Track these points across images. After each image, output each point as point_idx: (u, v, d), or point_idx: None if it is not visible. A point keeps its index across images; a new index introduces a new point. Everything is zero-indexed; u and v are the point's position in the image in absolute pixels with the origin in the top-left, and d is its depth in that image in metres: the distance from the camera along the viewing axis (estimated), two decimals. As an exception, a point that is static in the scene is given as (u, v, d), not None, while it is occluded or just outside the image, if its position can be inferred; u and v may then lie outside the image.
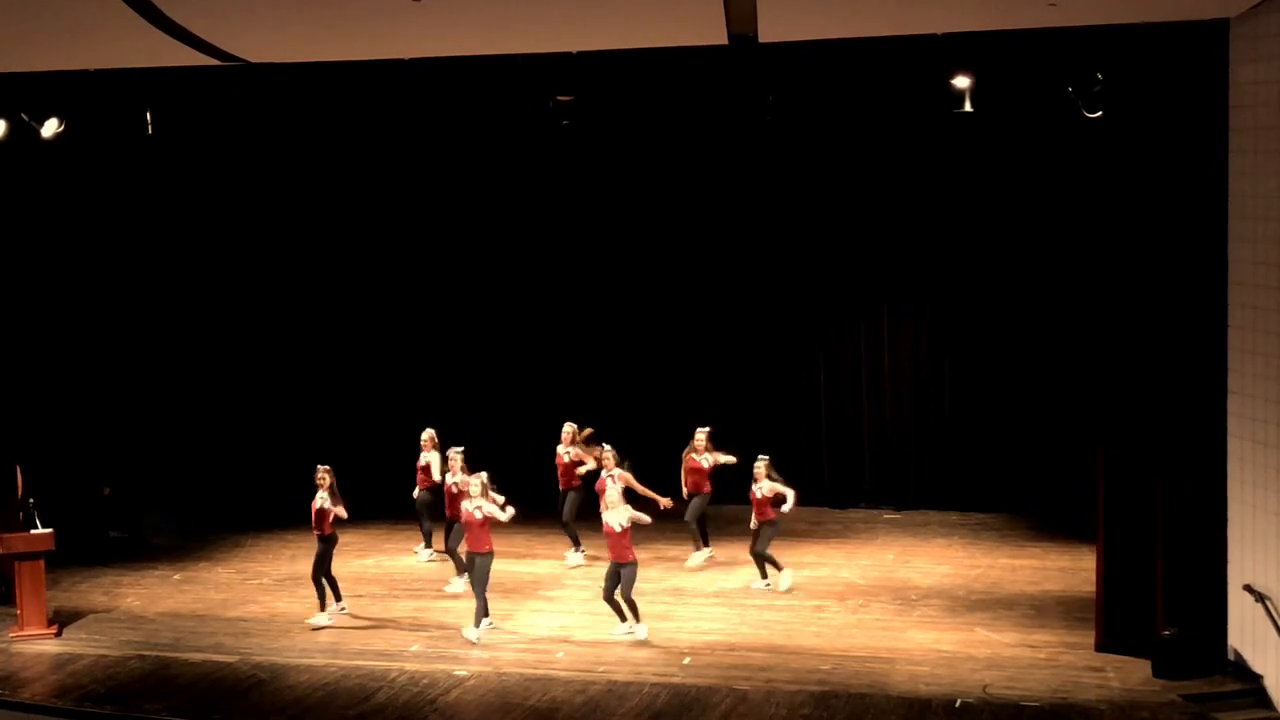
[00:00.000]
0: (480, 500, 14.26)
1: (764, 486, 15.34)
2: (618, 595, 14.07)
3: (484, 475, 14.52)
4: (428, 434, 16.95)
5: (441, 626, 14.57)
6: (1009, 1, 12.05)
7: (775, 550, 15.60)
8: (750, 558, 15.60)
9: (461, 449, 15.82)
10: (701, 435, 16.42)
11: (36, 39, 13.20)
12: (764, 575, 15.55)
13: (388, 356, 20.07)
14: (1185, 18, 12.19)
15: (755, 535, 15.46)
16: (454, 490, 15.50)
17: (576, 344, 19.63)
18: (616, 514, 14.03)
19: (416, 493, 17.02)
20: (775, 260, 18.95)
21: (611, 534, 14.00)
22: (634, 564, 14.06)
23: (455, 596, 15.52)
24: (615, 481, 14.97)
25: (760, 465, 15.43)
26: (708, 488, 16.45)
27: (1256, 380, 12.16)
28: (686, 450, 16.47)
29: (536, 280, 19.67)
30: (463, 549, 15.01)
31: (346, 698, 12.83)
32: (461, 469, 15.57)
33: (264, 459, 19.48)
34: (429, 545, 17.21)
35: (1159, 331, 12.90)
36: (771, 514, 15.40)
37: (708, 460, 16.35)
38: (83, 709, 12.79)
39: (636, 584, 14.13)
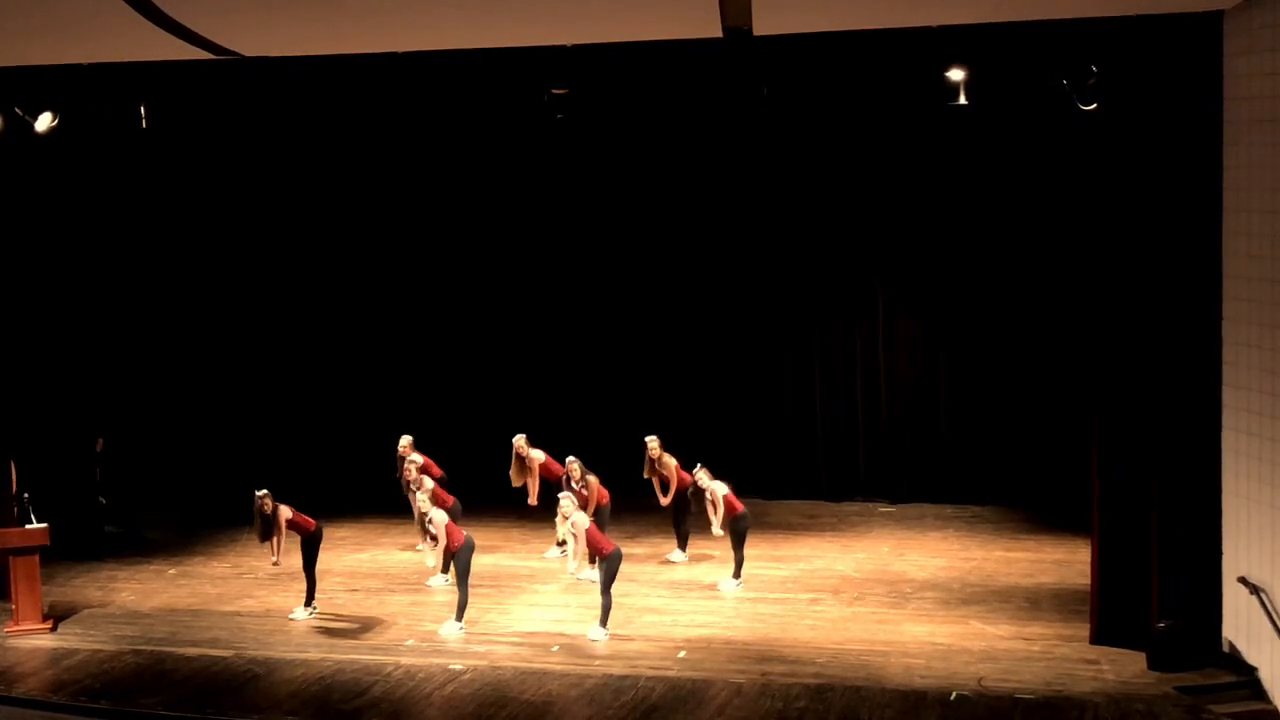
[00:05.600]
0: (433, 514, 14.34)
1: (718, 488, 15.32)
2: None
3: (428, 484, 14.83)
4: (406, 440, 16.94)
5: (437, 621, 14.55)
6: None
7: (766, 542, 15.66)
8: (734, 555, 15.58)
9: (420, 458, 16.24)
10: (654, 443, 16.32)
11: (30, 33, 13.16)
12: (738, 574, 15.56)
13: (382, 347, 20.08)
14: (1180, 10, 12.18)
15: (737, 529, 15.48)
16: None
17: (570, 338, 19.64)
18: (571, 521, 14.08)
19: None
20: (770, 253, 18.96)
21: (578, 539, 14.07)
22: (614, 553, 13.95)
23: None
24: (575, 494, 15.00)
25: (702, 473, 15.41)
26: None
27: (1251, 373, 12.17)
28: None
29: (531, 275, 19.67)
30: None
31: (342, 692, 12.83)
32: (419, 472, 15.89)
33: (259, 453, 19.44)
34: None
35: (1154, 324, 12.90)
36: (739, 506, 15.38)
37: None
38: (78, 704, 12.79)
39: (618, 579, 14.02)
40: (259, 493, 14.71)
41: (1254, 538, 12.21)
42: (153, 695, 12.90)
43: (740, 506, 15.42)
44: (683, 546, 16.46)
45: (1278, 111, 11.70)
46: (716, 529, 15.39)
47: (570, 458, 15.93)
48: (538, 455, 16.52)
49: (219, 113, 16.57)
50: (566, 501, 14.30)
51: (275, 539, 14.74)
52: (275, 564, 14.94)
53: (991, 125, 16.46)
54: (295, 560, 14.99)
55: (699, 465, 15.48)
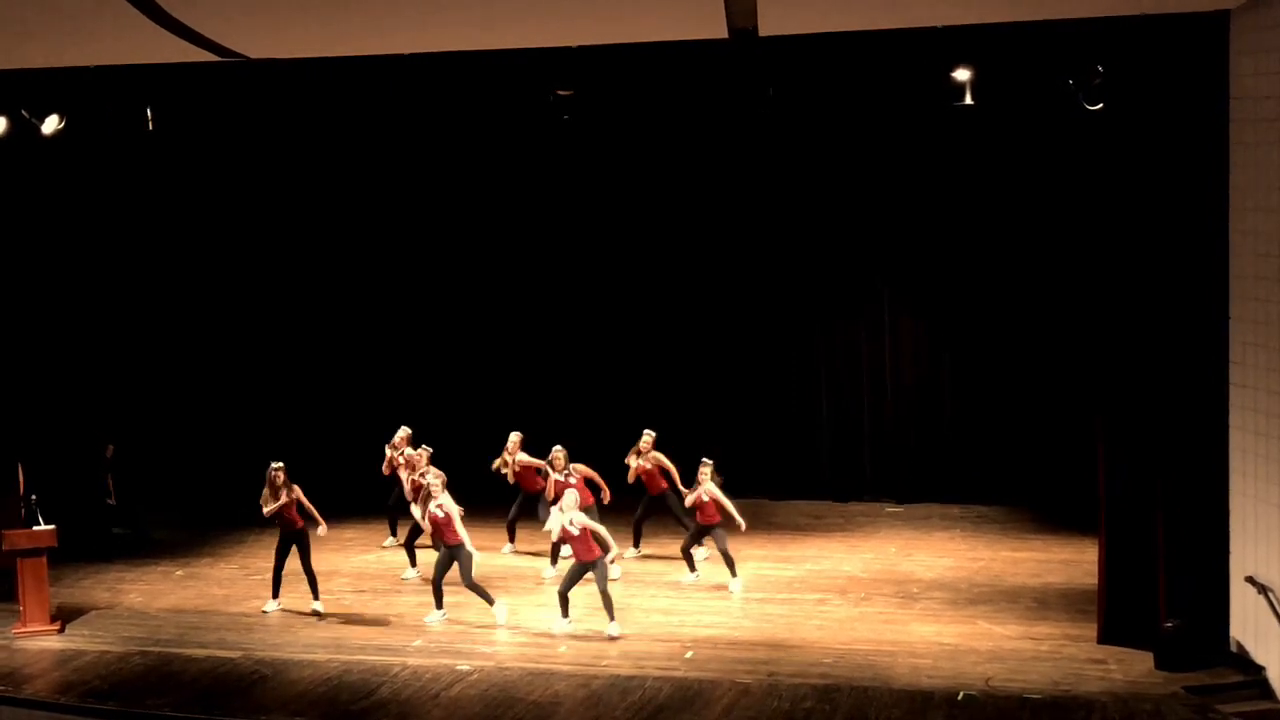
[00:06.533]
0: (443, 499, 14.35)
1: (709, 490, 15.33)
2: (570, 589, 14.16)
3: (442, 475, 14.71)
4: (403, 433, 16.97)
5: (443, 621, 14.57)
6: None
7: (771, 543, 15.70)
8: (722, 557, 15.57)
9: (429, 448, 16.14)
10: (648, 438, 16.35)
11: (37, 36, 13.19)
12: (693, 569, 15.76)
13: (389, 350, 20.11)
14: (1186, 9, 12.18)
15: (700, 533, 15.58)
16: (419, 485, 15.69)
17: (574, 342, 19.66)
18: (567, 515, 14.01)
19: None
20: (776, 254, 18.97)
21: (570, 536, 14.02)
22: (602, 559, 14.01)
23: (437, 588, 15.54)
24: (570, 483, 15.05)
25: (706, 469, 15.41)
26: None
27: (1258, 372, 12.16)
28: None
29: (536, 275, 19.70)
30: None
31: (349, 693, 12.84)
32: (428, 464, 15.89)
33: (266, 455, 19.46)
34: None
35: (1161, 324, 12.90)
36: (717, 517, 15.38)
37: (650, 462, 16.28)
38: (86, 705, 12.80)
39: (614, 579, 14.14)
40: (275, 465, 14.93)
41: (1261, 537, 12.20)
42: (160, 696, 12.91)
43: (718, 518, 15.37)
44: (691, 566, 16.23)
45: (1284, 110, 11.71)
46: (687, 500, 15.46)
47: (556, 447, 15.90)
48: (521, 458, 16.55)
49: (225, 115, 16.59)
50: (570, 498, 14.33)
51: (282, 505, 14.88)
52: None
53: (997, 125, 16.45)
54: (295, 562, 15.07)
55: (711, 464, 15.36)
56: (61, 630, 14.79)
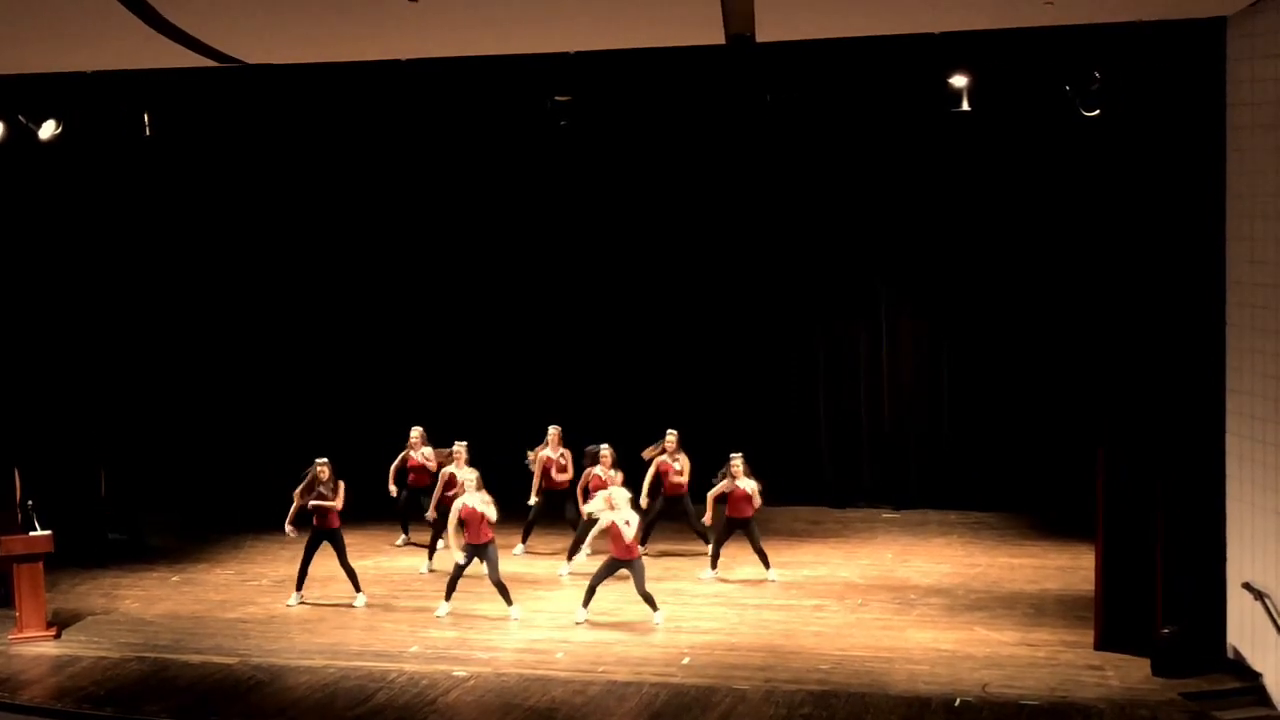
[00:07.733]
0: (478, 495, 14.46)
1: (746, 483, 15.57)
2: (601, 582, 14.38)
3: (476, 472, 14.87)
4: (417, 432, 17.10)
5: (441, 627, 14.57)
6: (1006, 0, 12.06)
7: (768, 548, 15.94)
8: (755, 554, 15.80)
9: (465, 443, 16.26)
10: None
11: (34, 41, 13.19)
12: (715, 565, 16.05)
13: (387, 356, 20.10)
14: (1183, 16, 12.20)
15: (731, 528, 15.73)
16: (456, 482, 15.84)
17: (573, 344, 19.65)
18: (622, 514, 14.12)
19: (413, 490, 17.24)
20: (774, 260, 18.98)
21: (618, 533, 14.08)
22: (640, 559, 14.34)
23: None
24: (616, 482, 15.08)
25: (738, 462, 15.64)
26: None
27: (1255, 379, 12.18)
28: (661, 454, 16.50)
29: (534, 280, 19.70)
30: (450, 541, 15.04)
31: (346, 699, 12.83)
32: (465, 462, 16.03)
33: (263, 460, 19.47)
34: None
35: (1158, 330, 12.91)
36: (749, 511, 15.59)
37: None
38: (82, 711, 12.78)
39: (613, 580, 14.43)
40: (320, 460, 15.18)
41: (1258, 543, 12.21)
42: (157, 702, 12.89)
43: (750, 512, 15.59)
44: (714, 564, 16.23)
45: (1281, 117, 11.73)
46: (707, 518, 15.78)
47: (603, 445, 15.99)
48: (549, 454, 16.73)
49: (223, 120, 16.58)
50: (617, 493, 14.46)
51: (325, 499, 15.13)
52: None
53: (995, 131, 16.47)
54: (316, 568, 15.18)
55: (741, 456, 15.63)
56: (58, 636, 14.76)
